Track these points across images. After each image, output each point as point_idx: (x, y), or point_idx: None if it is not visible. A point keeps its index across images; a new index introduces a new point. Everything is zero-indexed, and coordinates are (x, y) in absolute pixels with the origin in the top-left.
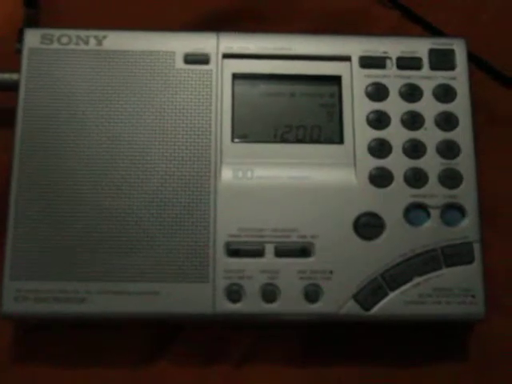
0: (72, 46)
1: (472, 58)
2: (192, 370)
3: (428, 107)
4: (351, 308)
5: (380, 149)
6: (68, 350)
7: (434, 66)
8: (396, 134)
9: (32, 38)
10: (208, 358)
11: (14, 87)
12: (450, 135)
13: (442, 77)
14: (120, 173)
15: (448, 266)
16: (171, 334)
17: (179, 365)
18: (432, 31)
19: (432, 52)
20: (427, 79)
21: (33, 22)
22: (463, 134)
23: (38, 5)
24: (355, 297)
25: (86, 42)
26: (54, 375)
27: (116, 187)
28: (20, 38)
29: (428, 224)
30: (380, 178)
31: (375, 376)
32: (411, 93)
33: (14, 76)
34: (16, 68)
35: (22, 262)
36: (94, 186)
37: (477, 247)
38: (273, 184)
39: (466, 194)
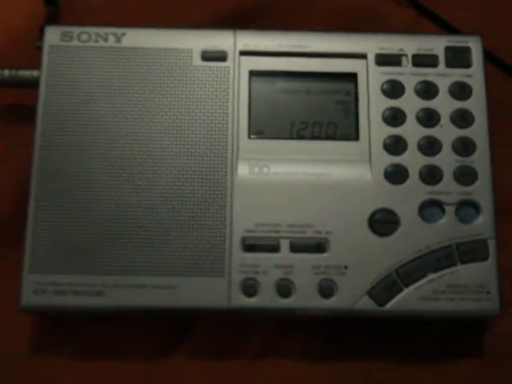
0: (91, 43)
1: (488, 56)
2: (207, 364)
3: (444, 104)
4: (365, 303)
5: (395, 146)
6: (85, 343)
7: (449, 64)
8: (411, 131)
9: (52, 35)
10: (223, 352)
11: (34, 84)
12: (465, 132)
13: (457, 74)
14: (138, 168)
15: (463, 262)
16: (187, 328)
17: (194, 358)
18: (448, 29)
19: (448, 49)
20: (443, 76)
21: (53, 20)
22: (479, 132)
23: (58, 2)
24: (369, 292)
25: (105, 39)
26: (71, 367)
27: (134, 183)
28: (41, 36)
29: (443, 221)
30: (395, 175)
31: (389, 371)
32: (427, 90)
33: (35, 73)
34: (37, 65)
35: (41, 256)
36: (112, 182)
37: (491, 244)
38: (288, 180)
39: (481, 191)
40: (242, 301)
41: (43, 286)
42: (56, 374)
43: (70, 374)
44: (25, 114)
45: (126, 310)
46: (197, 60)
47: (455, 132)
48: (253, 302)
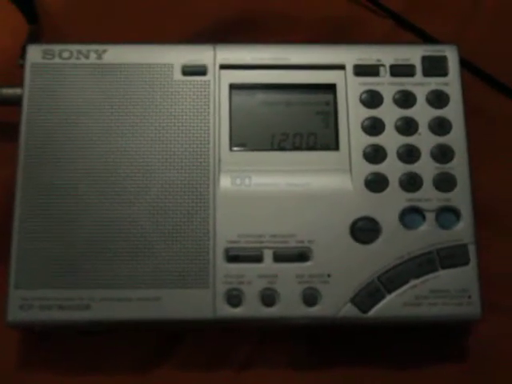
0: (73, 61)
1: (465, 64)
2: (194, 375)
3: (422, 113)
4: (349, 311)
5: (375, 154)
6: (72, 357)
7: (426, 73)
8: (391, 140)
9: (34, 53)
10: (210, 363)
11: (17, 102)
12: (443, 140)
13: (434, 83)
14: (121, 182)
15: (444, 267)
16: (173, 340)
17: (181, 370)
18: (425, 39)
19: (425, 59)
20: (420, 85)
21: (35, 38)
22: (456, 139)
23: (40, 21)
24: (353, 300)
25: (87, 57)
26: (57, 381)
27: (118, 197)
28: (23, 54)
29: (423, 227)
30: (375, 183)
31: (374, 378)
32: (405, 99)
33: (18, 91)
34: (19, 83)
35: (26, 271)
36: (96, 196)
37: (472, 249)
38: (270, 191)
39: (461, 197)
40: (226, 311)
41: (29, 302)
42: None
43: None
44: (8, 131)
45: (112, 323)
46: (177, 75)
47: (433, 140)
48: (238, 312)
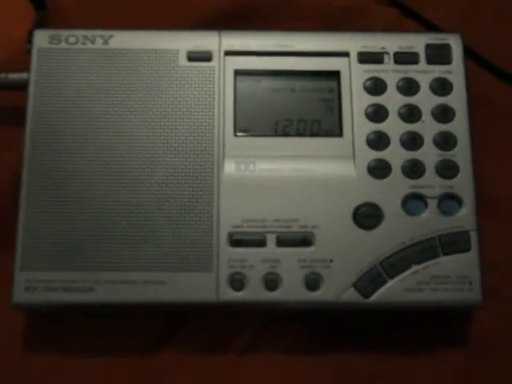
0: (79, 46)
1: (469, 53)
2: (198, 358)
3: (425, 100)
4: (351, 296)
5: (378, 141)
6: (77, 339)
7: (430, 61)
8: (394, 127)
9: (41, 38)
10: (213, 346)
11: (24, 86)
12: (446, 127)
13: (438, 71)
14: (126, 167)
15: (445, 254)
16: (177, 323)
17: (185, 352)
18: (429, 27)
19: (428, 47)
20: (424, 73)
21: (42, 23)
22: (459, 126)
23: (47, 6)
24: (355, 285)
25: (93, 42)
26: (63, 362)
27: (123, 181)
28: (30, 39)
29: (425, 214)
30: (378, 170)
31: (375, 362)
32: (408, 86)
33: (24, 75)
34: (26, 68)
35: (31, 254)
36: (101, 180)
37: (473, 235)
38: (274, 176)
39: (463, 184)
40: (229, 295)
41: (34, 283)
42: (49, 369)
43: (62, 370)
44: (15, 115)
45: (116, 306)
46: (183, 60)
47: (436, 127)
48: (240, 295)
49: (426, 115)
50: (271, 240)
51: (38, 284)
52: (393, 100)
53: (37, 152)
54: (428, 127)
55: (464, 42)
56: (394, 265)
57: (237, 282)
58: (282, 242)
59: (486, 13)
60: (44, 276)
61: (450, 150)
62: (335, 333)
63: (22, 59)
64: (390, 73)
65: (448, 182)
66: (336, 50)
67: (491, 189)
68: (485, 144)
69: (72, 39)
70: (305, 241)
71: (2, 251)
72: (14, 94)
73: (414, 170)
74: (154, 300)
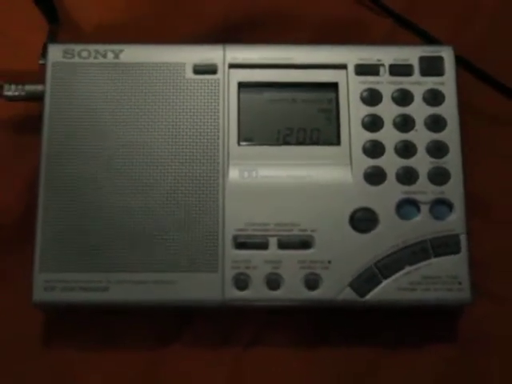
0: (91, 60)
1: (462, 63)
2: (205, 352)
3: (418, 110)
4: (348, 295)
5: (374, 149)
6: (92, 334)
7: (424, 73)
8: (389, 136)
9: (55, 52)
10: (219, 341)
11: (40, 97)
12: (438, 136)
13: (431, 82)
14: (137, 174)
15: (436, 256)
16: (184, 320)
17: (193, 347)
18: (424, 37)
19: (422, 59)
20: (418, 85)
21: (55, 36)
22: (451, 135)
23: (59, 19)
24: (351, 284)
25: (104, 56)
26: (79, 358)
27: (134, 187)
28: (44, 53)
29: (418, 218)
30: (374, 177)
31: (373, 357)
32: (403, 97)
33: (39, 87)
34: (40, 79)
35: (49, 256)
36: (113, 187)
37: (463, 238)
38: (276, 183)
39: (454, 190)
40: (234, 294)
41: (53, 284)
42: (66, 364)
43: (79, 364)
44: (32, 124)
45: (129, 305)
46: (189, 73)
47: (429, 136)
48: (244, 294)
49: (419, 125)
50: (273, 243)
51: (55, 284)
52: (388, 110)
53: (53, 159)
54: (421, 136)
55: (456, 52)
56: (388, 266)
57: (241, 282)
58: (283, 244)
59: (480, 22)
60: (61, 277)
61: (442, 157)
62: (334, 328)
63: (36, 69)
64: (386, 84)
65: (440, 188)
66: (334, 62)
67: (483, 192)
68: (475, 149)
69: (84, 53)
70: (305, 243)
71: (20, 253)
72: (31, 105)
73: (407, 176)
74: (164, 299)
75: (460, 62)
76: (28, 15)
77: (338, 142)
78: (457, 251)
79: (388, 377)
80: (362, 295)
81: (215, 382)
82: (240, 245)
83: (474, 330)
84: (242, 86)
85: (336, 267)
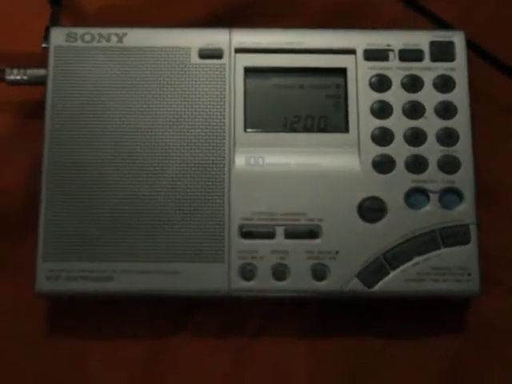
0: (95, 44)
1: (473, 48)
2: (210, 341)
3: (428, 97)
4: (355, 285)
5: (383, 137)
6: (96, 324)
7: (434, 58)
8: (398, 123)
9: (57, 36)
10: (225, 331)
11: (42, 82)
12: (449, 123)
13: (441, 68)
14: (142, 161)
15: (446, 246)
16: (189, 310)
17: (199, 337)
18: (435, 21)
19: (433, 44)
20: (428, 70)
21: (57, 19)
22: (462, 122)
23: (61, 2)
24: (359, 275)
25: (108, 40)
26: (83, 346)
27: (138, 175)
28: (46, 37)
29: (427, 207)
30: (383, 165)
31: (380, 347)
32: (413, 83)
33: (42, 72)
34: (43, 63)
35: (53, 245)
36: (118, 174)
37: (473, 229)
38: (283, 170)
39: (464, 179)
40: (240, 284)
41: (56, 273)
42: (71, 353)
43: (82, 353)
44: (34, 109)
45: (133, 294)
46: (195, 58)
47: (439, 123)
48: (251, 285)
49: (429, 112)
50: (280, 232)
51: (59, 273)
52: (397, 97)
53: (56, 146)
54: (431, 123)
55: (467, 37)
56: (396, 256)
57: (247, 272)
58: (290, 234)
59: (491, 4)
60: (65, 266)
61: (452, 145)
62: (341, 319)
63: (38, 53)
64: (395, 70)
65: (449, 177)
66: (343, 47)
67: (494, 181)
68: (486, 136)
69: (88, 37)
70: (312, 233)
71: (23, 241)
72: (33, 89)
73: (416, 165)
74: (169, 289)
75: (471, 46)
76: None
77: (346, 129)
78: (466, 241)
79: (394, 367)
80: (370, 286)
81: (220, 372)
82: (246, 234)
83: (482, 321)
84: (248, 71)
85: (344, 257)
